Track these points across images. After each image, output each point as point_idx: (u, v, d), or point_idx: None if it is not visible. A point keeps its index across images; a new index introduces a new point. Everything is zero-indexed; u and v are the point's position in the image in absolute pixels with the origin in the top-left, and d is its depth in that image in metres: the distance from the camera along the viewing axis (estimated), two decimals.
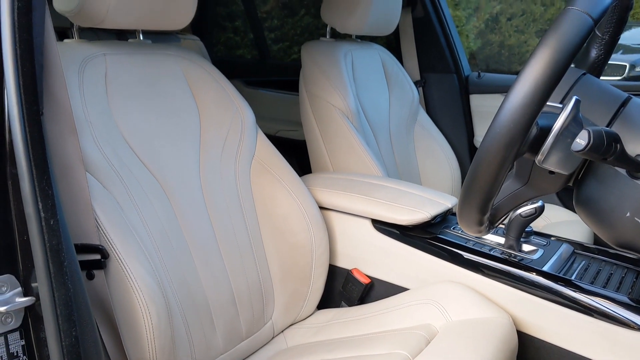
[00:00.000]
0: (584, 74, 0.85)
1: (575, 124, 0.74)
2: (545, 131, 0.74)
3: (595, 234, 1.87)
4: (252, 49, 5.25)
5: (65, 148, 0.94)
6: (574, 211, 1.91)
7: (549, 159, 0.75)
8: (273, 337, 1.40)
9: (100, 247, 0.98)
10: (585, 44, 0.71)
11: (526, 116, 0.68)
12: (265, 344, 1.38)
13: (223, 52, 4.71)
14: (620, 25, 0.89)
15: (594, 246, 1.41)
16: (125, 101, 1.20)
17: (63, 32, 1.36)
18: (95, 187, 1.03)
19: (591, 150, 0.67)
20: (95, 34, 1.37)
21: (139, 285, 0.99)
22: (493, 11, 8.73)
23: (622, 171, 0.76)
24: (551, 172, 0.84)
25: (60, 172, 0.92)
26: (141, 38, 1.34)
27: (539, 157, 0.75)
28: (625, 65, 7.98)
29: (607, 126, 0.79)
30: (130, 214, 1.11)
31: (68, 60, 1.13)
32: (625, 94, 0.82)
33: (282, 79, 2.82)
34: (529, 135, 0.74)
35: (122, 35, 1.39)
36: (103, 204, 1.02)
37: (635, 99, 0.81)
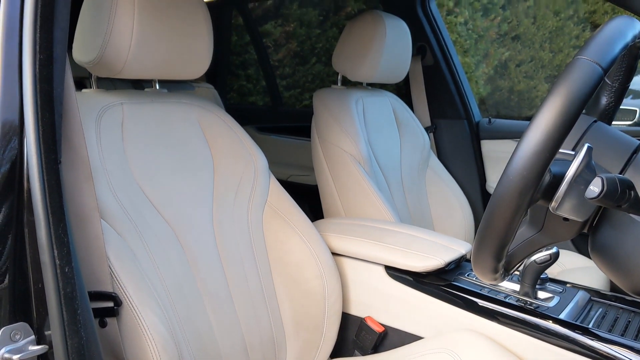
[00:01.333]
0: (595, 121, 0.86)
1: (588, 171, 0.74)
2: (558, 178, 0.74)
3: (611, 281, 1.84)
4: (264, 95, 5.34)
5: (81, 196, 0.95)
6: (589, 257, 1.89)
7: (563, 206, 0.75)
8: None
9: (113, 294, 0.98)
10: (595, 92, 0.72)
11: (539, 163, 0.68)
12: None
13: (236, 99, 4.80)
14: (629, 73, 0.90)
15: (610, 293, 1.39)
16: (140, 149, 1.22)
17: (80, 82, 1.40)
18: (109, 234, 1.04)
19: (605, 197, 0.66)
20: (112, 83, 1.41)
21: (151, 333, 0.99)
22: (502, 58, 8.84)
23: (638, 218, 0.75)
24: (565, 219, 0.83)
25: (75, 219, 0.93)
26: (157, 87, 1.37)
27: (553, 204, 0.75)
28: (636, 110, 7.99)
29: (620, 173, 0.79)
30: (144, 261, 1.11)
31: (86, 109, 1.15)
32: (637, 141, 0.82)
33: (294, 125, 2.85)
34: (542, 182, 0.74)
35: (138, 84, 1.42)
36: (117, 251, 1.02)
37: None
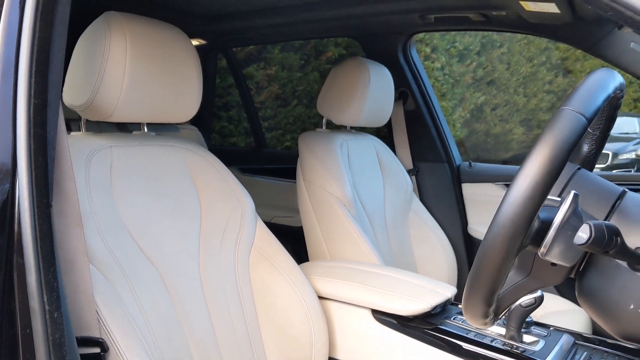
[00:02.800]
0: (579, 168, 0.89)
1: (575, 217, 0.76)
2: (546, 224, 0.76)
3: (593, 323, 1.86)
4: (245, 137, 5.37)
5: (70, 241, 0.95)
6: (570, 300, 1.91)
7: (552, 252, 0.76)
8: None
9: (100, 340, 0.96)
10: None
11: (528, 210, 0.70)
12: None
13: (218, 140, 4.81)
14: (610, 123, 0.93)
15: (593, 336, 1.40)
16: (128, 192, 1.22)
17: (67, 124, 1.40)
18: (97, 278, 1.03)
19: (593, 243, 0.69)
20: (97, 125, 1.41)
21: None
22: (477, 102, 9.06)
23: (623, 263, 0.77)
24: (553, 264, 0.85)
25: (64, 264, 0.92)
26: (145, 130, 1.37)
27: (542, 249, 0.77)
28: (609, 154, 8.20)
29: (605, 219, 0.81)
30: (131, 306, 1.10)
31: (75, 152, 1.16)
32: (621, 188, 0.85)
33: (278, 166, 2.87)
34: (531, 228, 0.75)
35: (123, 127, 1.43)
36: (104, 296, 1.01)
37: (630, 193, 0.84)
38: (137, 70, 1.19)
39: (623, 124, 9.14)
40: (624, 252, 0.73)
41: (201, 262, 1.31)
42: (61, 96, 1.13)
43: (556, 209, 0.78)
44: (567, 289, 2.00)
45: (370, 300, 1.42)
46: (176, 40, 1.29)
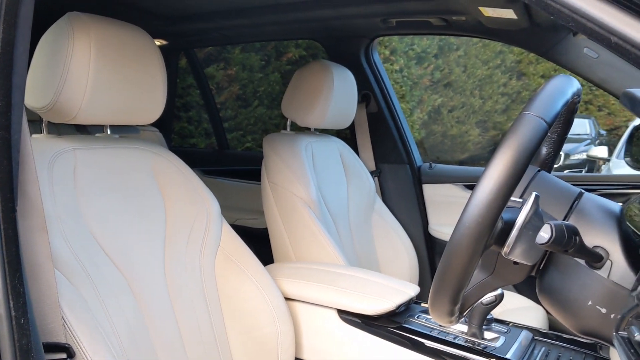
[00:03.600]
0: (539, 170, 0.93)
1: (536, 217, 0.79)
2: (509, 225, 0.79)
3: (550, 319, 1.92)
4: (205, 138, 5.33)
5: (35, 245, 0.93)
6: (528, 297, 1.97)
7: (514, 251, 0.79)
8: None
9: (66, 345, 0.95)
10: None
11: (492, 211, 0.73)
12: None
13: (177, 141, 4.76)
14: (567, 126, 0.98)
15: (551, 332, 1.45)
16: (93, 196, 1.21)
17: None
18: (62, 283, 1.01)
19: (554, 243, 0.72)
20: (55, 127, 1.38)
21: None
22: (435, 104, 9.21)
23: (582, 262, 0.81)
24: (515, 263, 0.89)
25: (29, 269, 0.91)
26: (109, 132, 1.35)
27: (505, 249, 0.80)
28: (561, 155, 8.41)
29: (564, 219, 0.85)
30: (97, 310, 1.08)
31: (38, 155, 1.13)
32: (578, 189, 0.89)
33: (241, 168, 2.86)
34: (495, 228, 0.78)
35: (82, 129, 1.39)
36: (70, 301, 1.00)
37: (586, 194, 0.88)
38: (101, 72, 1.18)
39: (574, 126, 9.43)
40: (583, 250, 0.76)
41: (167, 265, 1.30)
42: None
43: (518, 209, 0.81)
44: (525, 287, 2.06)
45: (336, 301, 1.44)
46: (140, 42, 1.28)
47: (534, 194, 0.80)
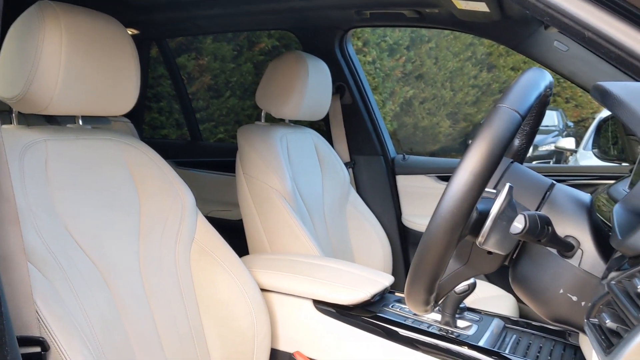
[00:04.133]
0: (512, 162, 0.94)
1: (510, 208, 0.81)
2: (484, 215, 0.81)
3: (520, 307, 1.97)
4: (176, 129, 5.27)
5: (7, 238, 0.91)
6: (498, 286, 2.01)
7: (489, 241, 0.81)
8: None
9: (40, 339, 0.94)
10: None
11: (468, 202, 0.74)
12: None
13: (148, 132, 4.70)
14: (539, 118, 1.00)
15: (521, 320, 1.49)
16: (65, 188, 1.19)
17: None
18: (35, 276, 1.00)
19: (528, 232, 0.74)
20: (24, 117, 1.35)
21: None
22: (407, 95, 9.26)
23: (554, 251, 0.83)
24: (489, 253, 0.90)
25: (1, 262, 0.89)
26: (80, 123, 1.33)
27: (480, 239, 0.81)
28: None
29: (536, 210, 0.87)
30: (71, 304, 1.07)
31: (8, 147, 1.11)
32: (550, 181, 0.91)
33: (214, 159, 2.84)
34: (470, 219, 0.80)
35: (53, 120, 1.36)
36: (43, 294, 0.98)
37: (558, 185, 0.91)
38: (74, 61, 1.16)
39: None
40: (555, 240, 0.78)
41: (141, 257, 1.29)
42: None
43: (492, 200, 0.82)
44: (496, 276, 2.11)
45: (311, 291, 1.45)
46: (113, 31, 1.26)
47: (507, 185, 0.81)
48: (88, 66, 1.19)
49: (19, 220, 0.92)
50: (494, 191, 0.87)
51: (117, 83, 1.26)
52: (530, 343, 1.32)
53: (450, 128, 9.70)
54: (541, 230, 0.75)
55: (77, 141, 1.27)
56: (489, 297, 1.88)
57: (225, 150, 2.94)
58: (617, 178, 1.66)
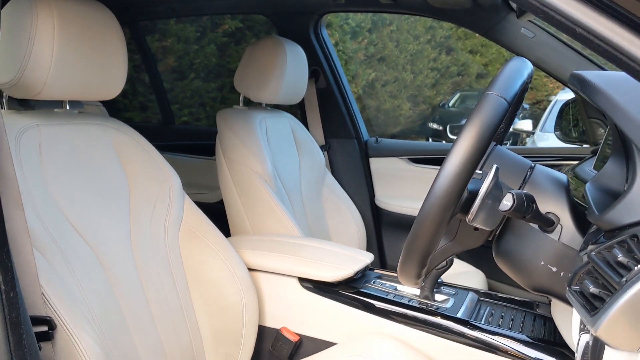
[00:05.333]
0: (495, 144, 1.02)
1: (496, 188, 0.89)
2: (473, 194, 0.88)
3: (488, 282, 2.07)
4: (140, 111, 5.21)
5: (12, 221, 0.94)
6: (468, 262, 2.11)
7: (477, 218, 0.88)
8: None
9: (48, 318, 0.97)
10: None
11: (460, 182, 0.81)
12: None
13: (111, 115, 4.63)
14: (519, 103, 1.07)
15: (492, 293, 1.58)
16: (59, 172, 1.21)
17: None
18: (38, 259, 1.02)
19: (515, 210, 0.81)
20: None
21: (88, 354, 0.99)
22: (369, 78, 9.33)
23: (535, 226, 0.91)
24: (475, 229, 0.98)
25: (12, 245, 0.91)
26: (68, 108, 1.34)
27: (469, 216, 0.89)
28: None
29: (519, 189, 0.95)
30: (70, 284, 1.10)
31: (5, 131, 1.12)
32: (530, 162, 0.99)
33: (189, 143, 2.85)
34: (461, 198, 0.87)
35: (26, 103, 1.36)
36: (47, 275, 1.01)
37: (538, 166, 0.98)
38: (66, 47, 1.17)
39: None
40: (538, 216, 0.86)
41: (132, 239, 1.32)
42: None
43: (480, 181, 0.90)
44: (465, 253, 2.20)
45: (297, 270, 1.50)
46: (102, 17, 1.27)
47: (494, 166, 0.89)
48: (79, 52, 1.20)
49: (22, 204, 0.95)
50: (480, 172, 0.94)
51: (107, 68, 1.28)
52: (502, 314, 1.41)
53: (410, 110, 9.84)
54: (527, 207, 0.82)
55: (68, 126, 1.28)
56: (460, 273, 1.98)
57: (198, 134, 2.96)
58: (579, 159, 1.78)
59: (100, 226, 1.26)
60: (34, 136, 1.18)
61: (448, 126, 9.09)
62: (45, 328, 0.97)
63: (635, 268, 0.61)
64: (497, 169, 0.88)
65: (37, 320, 0.96)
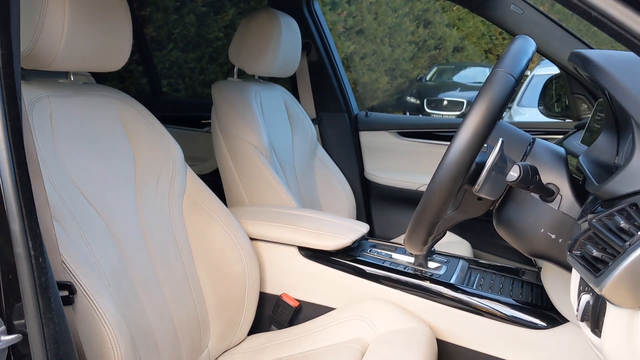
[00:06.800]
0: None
1: (502, 160, 0.94)
2: (480, 166, 0.94)
3: (474, 251, 2.16)
4: (118, 82, 5.15)
5: (33, 190, 0.96)
6: (454, 233, 2.19)
7: (483, 188, 0.94)
8: None
9: (68, 283, 1.00)
10: None
11: (470, 154, 0.87)
12: None
13: None
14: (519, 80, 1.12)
15: (482, 261, 1.66)
16: (69, 142, 1.23)
17: None
18: (55, 227, 1.05)
19: (521, 180, 0.87)
20: None
21: (107, 318, 1.03)
22: (348, 51, 9.31)
23: (536, 196, 0.97)
24: (479, 199, 1.04)
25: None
26: (72, 79, 1.36)
27: (476, 187, 0.94)
28: (463, 102, 8.88)
29: (521, 161, 1.01)
30: (85, 251, 1.13)
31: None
32: (531, 136, 1.04)
33: (179, 114, 2.86)
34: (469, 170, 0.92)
35: (29, 75, 1.38)
36: (64, 243, 1.05)
37: (538, 139, 1.04)
38: (76, 18, 1.18)
39: (475, 74, 9.95)
40: (540, 187, 0.92)
41: (139, 210, 1.36)
42: None
43: (486, 154, 0.95)
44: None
45: (297, 239, 1.55)
46: None
47: (500, 139, 0.94)
48: (89, 23, 1.22)
49: (41, 173, 0.97)
50: (486, 145, 0.99)
51: (114, 39, 1.29)
52: (492, 281, 1.49)
53: (388, 84, 9.88)
54: (531, 178, 0.88)
55: (76, 97, 1.30)
56: (448, 243, 2.06)
57: (188, 106, 2.96)
58: (562, 134, 1.85)
59: (109, 196, 1.28)
60: (45, 107, 1.20)
61: (425, 100, 9.15)
62: (66, 293, 1.00)
63: (639, 233, 0.67)
64: (502, 142, 0.94)
65: (59, 285, 0.99)
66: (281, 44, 1.95)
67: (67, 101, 1.27)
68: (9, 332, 0.86)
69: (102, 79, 4.86)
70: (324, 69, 2.41)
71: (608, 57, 0.85)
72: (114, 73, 5.04)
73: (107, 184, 1.29)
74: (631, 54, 0.77)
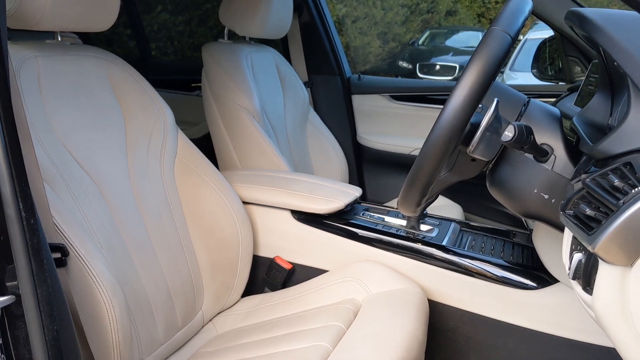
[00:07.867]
0: None
1: (496, 120, 0.94)
2: (474, 127, 0.93)
3: (465, 214, 2.17)
4: (106, 45, 5.05)
5: (23, 151, 0.95)
6: (445, 196, 2.19)
7: (478, 149, 0.94)
8: (203, 327, 1.47)
9: (61, 245, 1.00)
10: None
11: (465, 114, 0.86)
12: (196, 333, 1.45)
13: None
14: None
15: (473, 223, 1.67)
16: (58, 104, 1.21)
17: None
18: (46, 189, 1.04)
19: (515, 140, 0.86)
20: None
21: (101, 280, 1.03)
22: (340, 14, 9.18)
23: (529, 156, 0.97)
24: (473, 160, 1.03)
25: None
26: (60, 39, 1.33)
27: (470, 147, 0.94)
28: (456, 66, 8.82)
29: (515, 121, 1.00)
30: (77, 214, 1.13)
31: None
32: (525, 96, 1.04)
33: (168, 78, 2.82)
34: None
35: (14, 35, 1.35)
36: (55, 205, 1.04)
37: (533, 100, 1.03)
38: None
39: (468, 38, 9.86)
40: (535, 147, 0.92)
41: (130, 173, 1.35)
42: None
43: (480, 114, 0.94)
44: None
45: (290, 202, 1.55)
46: None
47: (495, 99, 0.93)
48: None
49: (30, 136, 0.96)
50: (480, 106, 0.99)
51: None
52: (483, 243, 1.50)
53: (380, 48, 9.78)
54: (526, 138, 0.88)
55: (64, 57, 1.27)
56: (440, 206, 2.06)
57: (178, 68, 2.92)
58: (555, 96, 1.84)
59: (100, 159, 1.27)
60: (32, 67, 1.18)
61: (417, 64, 9.08)
62: (58, 255, 1.00)
63: (633, 191, 0.67)
64: (497, 102, 0.93)
65: (52, 247, 0.99)
66: (272, 4, 1.91)
67: (55, 61, 1.24)
68: (1, 294, 0.86)
69: (89, 42, 4.80)
70: (316, 30, 2.37)
71: (606, 15, 0.84)
72: (100, 36, 4.96)
73: (98, 146, 1.28)
74: (629, 12, 0.76)
